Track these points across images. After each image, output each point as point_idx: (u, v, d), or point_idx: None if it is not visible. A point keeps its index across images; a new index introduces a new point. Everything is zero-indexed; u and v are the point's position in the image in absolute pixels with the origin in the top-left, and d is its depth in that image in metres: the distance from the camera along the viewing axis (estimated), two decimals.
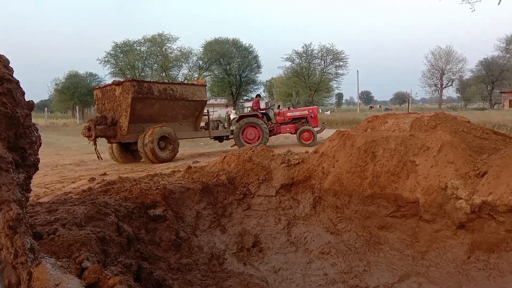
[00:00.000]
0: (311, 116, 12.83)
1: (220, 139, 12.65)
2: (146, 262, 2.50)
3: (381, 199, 3.47)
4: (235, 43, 42.31)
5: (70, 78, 46.78)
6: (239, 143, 11.70)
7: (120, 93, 9.33)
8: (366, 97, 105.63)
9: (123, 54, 39.14)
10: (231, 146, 12.24)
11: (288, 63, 42.30)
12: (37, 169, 1.80)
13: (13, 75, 1.66)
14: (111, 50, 38.79)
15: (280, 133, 13.10)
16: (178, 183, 4.01)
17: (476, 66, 49.99)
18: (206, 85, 11.41)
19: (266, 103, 15.79)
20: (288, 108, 14.11)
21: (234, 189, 4.18)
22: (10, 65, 1.68)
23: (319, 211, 3.92)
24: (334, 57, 40.72)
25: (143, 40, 39.16)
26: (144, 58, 39.76)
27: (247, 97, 48.03)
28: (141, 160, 9.88)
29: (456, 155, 3.29)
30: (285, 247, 3.76)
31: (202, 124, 12.09)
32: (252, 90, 45.01)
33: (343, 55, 40.50)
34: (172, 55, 39.79)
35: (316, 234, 3.76)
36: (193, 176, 4.39)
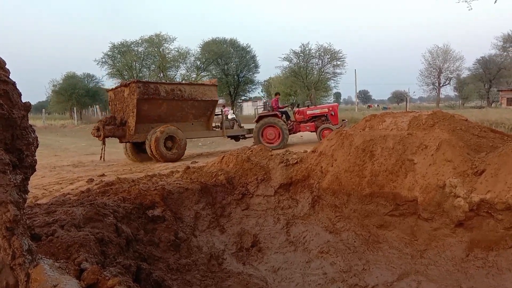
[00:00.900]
0: (332, 114, 12.47)
1: (236, 138, 12.53)
2: (145, 263, 2.49)
3: (379, 198, 3.47)
4: (233, 43, 42.21)
5: (67, 79, 46.50)
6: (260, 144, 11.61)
7: (128, 94, 9.44)
8: (364, 96, 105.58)
9: (121, 55, 38.93)
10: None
11: (286, 63, 42.28)
12: (35, 170, 1.80)
13: (10, 77, 1.66)
14: (109, 51, 38.57)
15: (299, 131, 12.77)
16: (177, 183, 4.00)
17: (473, 64, 49.98)
18: (217, 85, 11.32)
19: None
20: (308, 106, 13.29)
21: (232, 189, 4.18)
22: (7, 66, 1.67)
23: (317, 210, 3.92)
24: (331, 56, 40.66)
25: (140, 40, 38.95)
26: (142, 58, 39.57)
27: (245, 97, 47.99)
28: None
29: (454, 153, 3.29)
30: (284, 246, 3.76)
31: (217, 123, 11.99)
32: (250, 90, 44.92)
33: (341, 55, 40.46)
34: (169, 55, 39.64)
35: (315, 234, 3.76)
36: (192, 177, 4.39)
